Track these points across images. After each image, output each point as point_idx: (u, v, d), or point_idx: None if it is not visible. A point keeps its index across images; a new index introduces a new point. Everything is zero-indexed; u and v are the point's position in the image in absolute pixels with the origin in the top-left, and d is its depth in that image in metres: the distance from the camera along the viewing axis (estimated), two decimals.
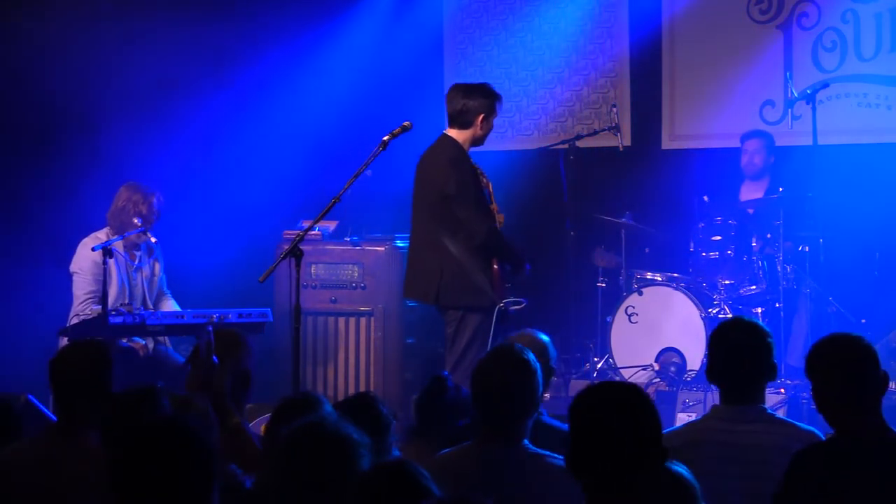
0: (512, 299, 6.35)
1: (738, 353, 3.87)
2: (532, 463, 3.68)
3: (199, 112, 8.42)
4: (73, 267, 6.90)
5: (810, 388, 3.57)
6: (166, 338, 6.92)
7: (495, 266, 6.34)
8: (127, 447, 2.62)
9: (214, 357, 4.18)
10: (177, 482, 2.58)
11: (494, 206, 6.55)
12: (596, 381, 3.37)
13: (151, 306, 7.00)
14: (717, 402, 3.98)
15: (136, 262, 6.98)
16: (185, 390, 4.17)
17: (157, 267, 7.10)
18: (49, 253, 7.18)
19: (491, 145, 6.92)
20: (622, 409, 2.78)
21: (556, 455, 3.72)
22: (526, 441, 3.74)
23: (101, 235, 6.92)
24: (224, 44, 8.65)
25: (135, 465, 2.59)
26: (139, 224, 6.84)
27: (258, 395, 4.62)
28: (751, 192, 7.93)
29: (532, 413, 3.76)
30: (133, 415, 3.54)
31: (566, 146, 7.92)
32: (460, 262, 6.30)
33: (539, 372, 3.82)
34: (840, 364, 3.51)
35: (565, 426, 4.32)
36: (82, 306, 6.79)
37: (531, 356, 3.80)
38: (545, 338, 4.71)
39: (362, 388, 7.29)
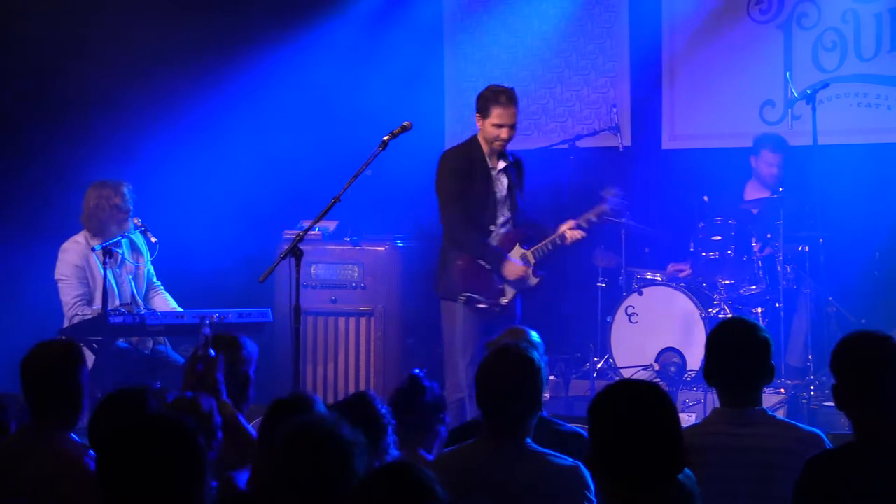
0: (475, 296, 6.42)
1: (735, 353, 3.84)
2: (535, 461, 3.67)
3: (199, 111, 8.41)
4: (57, 274, 6.84)
5: (832, 385, 3.48)
6: (165, 338, 6.90)
7: (458, 261, 6.46)
8: (116, 446, 2.62)
9: (211, 350, 4.18)
10: (167, 481, 2.58)
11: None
12: (615, 380, 3.29)
13: (141, 301, 6.95)
14: (717, 403, 3.95)
15: (119, 258, 6.89)
16: (182, 388, 4.16)
17: (142, 261, 7.02)
18: (49, 252, 7.15)
19: None
20: (643, 407, 2.74)
21: (558, 454, 3.72)
22: (529, 440, 3.74)
23: (80, 239, 6.86)
24: (223, 43, 8.64)
25: (126, 464, 2.58)
26: (139, 223, 6.81)
27: (258, 396, 4.62)
28: (756, 191, 7.92)
29: (535, 412, 3.76)
30: (120, 415, 3.54)
31: (566, 146, 7.92)
32: (443, 256, 6.57)
33: (544, 370, 3.82)
34: (863, 362, 3.41)
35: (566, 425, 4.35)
36: (73, 310, 6.75)
37: (535, 355, 3.80)
38: (535, 336, 4.71)
39: (362, 388, 7.28)
